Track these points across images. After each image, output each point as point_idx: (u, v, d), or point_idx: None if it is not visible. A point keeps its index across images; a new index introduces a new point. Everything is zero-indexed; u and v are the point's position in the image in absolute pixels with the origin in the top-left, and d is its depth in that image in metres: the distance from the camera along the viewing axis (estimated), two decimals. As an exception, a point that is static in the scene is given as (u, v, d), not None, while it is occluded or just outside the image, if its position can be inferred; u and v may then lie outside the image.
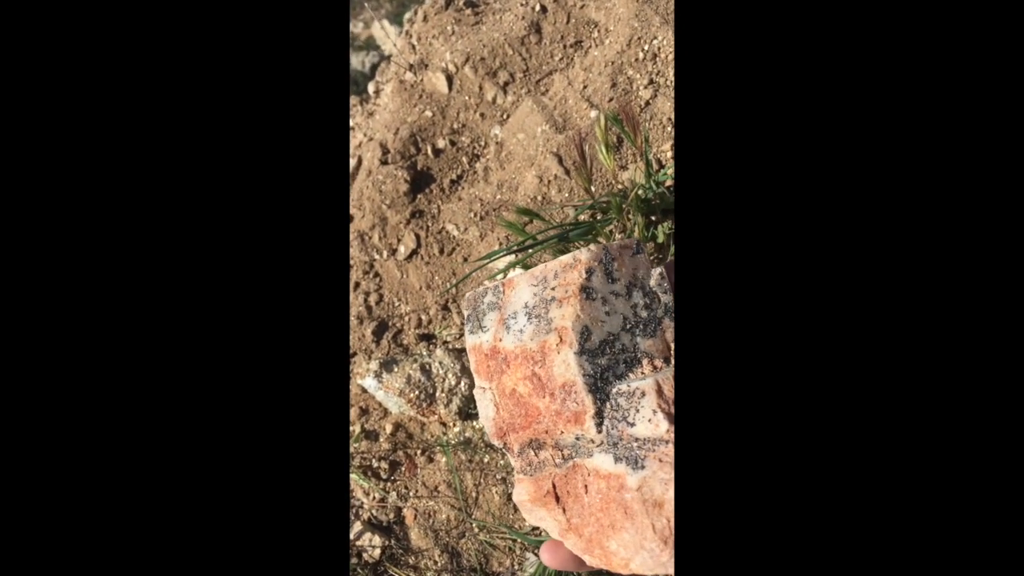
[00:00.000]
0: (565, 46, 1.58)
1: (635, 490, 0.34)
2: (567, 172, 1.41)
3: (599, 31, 1.57)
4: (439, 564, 1.26)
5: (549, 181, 1.42)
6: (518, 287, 0.38)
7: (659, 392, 0.34)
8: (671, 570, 0.34)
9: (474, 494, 1.29)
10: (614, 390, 0.35)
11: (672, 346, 0.36)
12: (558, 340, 0.35)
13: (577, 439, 0.36)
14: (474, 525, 1.27)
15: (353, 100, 2.55)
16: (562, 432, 0.36)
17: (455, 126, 1.61)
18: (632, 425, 0.34)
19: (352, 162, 1.75)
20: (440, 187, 1.55)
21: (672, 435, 0.33)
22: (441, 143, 1.60)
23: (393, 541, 1.29)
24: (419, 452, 1.36)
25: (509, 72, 1.59)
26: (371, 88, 2.56)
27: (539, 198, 1.42)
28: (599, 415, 0.35)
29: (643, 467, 0.34)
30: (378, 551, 1.28)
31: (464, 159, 1.58)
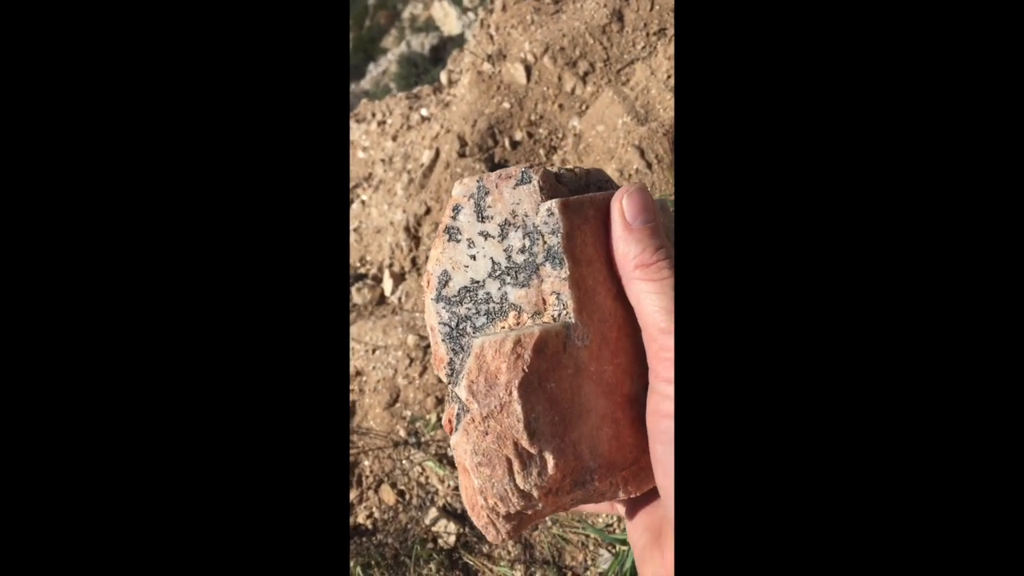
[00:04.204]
0: (648, 34, 1.54)
1: (454, 447, 0.33)
2: (649, 166, 1.38)
3: (684, 18, 1.52)
4: (512, 554, 1.28)
5: (630, 175, 1.40)
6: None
7: (479, 356, 0.32)
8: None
9: (547, 487, 1.30)
10: (467, 343, 0.33)
11: (547, 300, 0.33)
12: (426, 283, 0.34)
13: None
14: (547, 518, 1.28)
15: (427, 90, 2.58)
16: None
17: (533, 118, 1.60)
18: (456, 385, 0.33)
19: (430, 154, 1.77)
20: (517, 179, 1.55)
21: (471, 407, 0.31)
22: (519, 135, 1.60)
23: (467, 528, 1.32)
24: (493, 443, 1.38)
25: (589, 62, 1.57)
26: (444, 77, 2.58)
27: (619, 192, 1.39)
28: (451, 366, 0.33)
29: (457, 429, 0.32)
30: (453, 538, 1.31)
31: (541, 151, 1.57)
